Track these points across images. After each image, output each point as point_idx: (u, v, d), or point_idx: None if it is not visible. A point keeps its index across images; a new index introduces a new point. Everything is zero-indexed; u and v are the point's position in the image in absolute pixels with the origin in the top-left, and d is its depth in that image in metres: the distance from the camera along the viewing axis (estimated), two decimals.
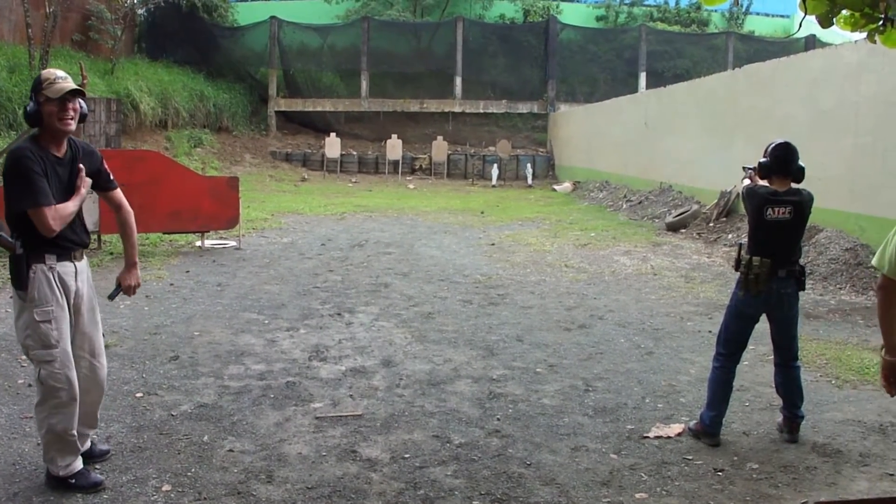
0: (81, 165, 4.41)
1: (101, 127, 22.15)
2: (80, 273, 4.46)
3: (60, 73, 4.31)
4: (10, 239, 4.19)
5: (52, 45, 20.64)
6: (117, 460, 4.74)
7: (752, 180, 5.51)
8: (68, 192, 4.31)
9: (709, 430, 5.23)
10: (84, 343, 4.53)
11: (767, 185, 5.26)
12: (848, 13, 3.66)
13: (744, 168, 5.71)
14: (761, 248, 5.16)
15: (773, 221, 5.13)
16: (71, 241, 4.38)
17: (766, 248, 5.14)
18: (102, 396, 4.77)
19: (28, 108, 4.24)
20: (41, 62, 19.57)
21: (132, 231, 4.81)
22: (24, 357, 6.61)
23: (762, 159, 5.25)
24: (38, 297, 4.20)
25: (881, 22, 3.61)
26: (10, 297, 4.49)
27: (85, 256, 4.57)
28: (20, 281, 4.20)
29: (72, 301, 4.40)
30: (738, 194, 13.68)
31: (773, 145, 5.25)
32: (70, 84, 4.22)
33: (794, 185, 5.23)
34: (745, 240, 5.47)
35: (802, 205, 5.15)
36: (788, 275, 5.18)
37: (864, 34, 3.74)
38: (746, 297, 5.21)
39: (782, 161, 5.18)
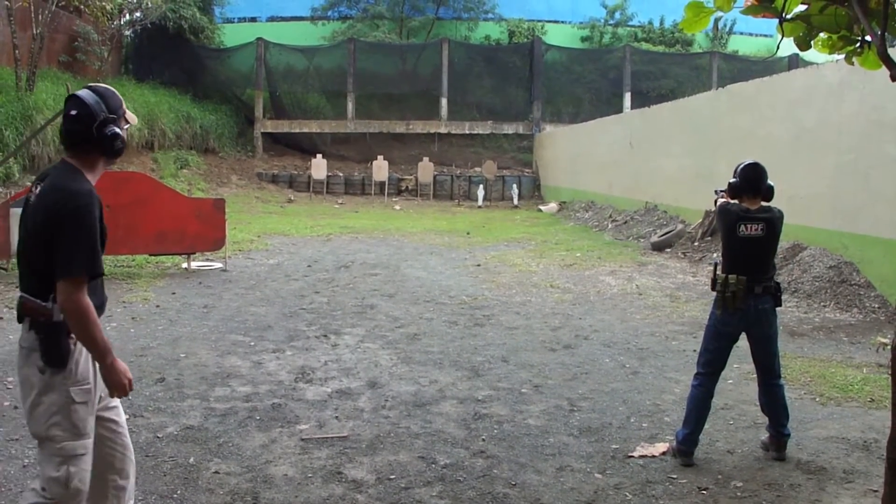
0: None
1: None
2: None
3: None
4: (43, 303, 3.28)
5: (39, 67, 20.63)
6: None
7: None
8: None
9: (682, 448, 5.23)
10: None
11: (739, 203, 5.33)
12: (825, 36, 3.71)
13: (715, 191, 5.77)
14: (736, 265, 5.21)
15: (747, 238, 5.20)
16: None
17: (740, 266, 5.19)
18: None
19: (111, 131, 3.37)
20: (28, 83, 19.56)
21: None
22: (10, 380, 6.59)
23: (732, 180, 5.33)
24: (80, 373, 3.34)
25: (858, 44, 3.66)
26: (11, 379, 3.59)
27: None
28: (59, 355, 3.28)
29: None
30: None
31: (743, 166, 5.32)
32: None
33: (764, 204, 5.30)
34: (720, 259, 5.52)
35: (774, 221, 5.23)
36: (765, 291, 5.23)
37: (843, 56, 3.79)
38: (724, 315, 5.25)
39: (752, 181, 5.26)
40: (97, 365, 3.38)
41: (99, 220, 3.32)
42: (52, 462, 3.32)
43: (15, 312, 3.47)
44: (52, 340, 3.27)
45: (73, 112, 3.34)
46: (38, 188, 3.36)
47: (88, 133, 3.34)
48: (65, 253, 3.20)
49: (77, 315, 3.21)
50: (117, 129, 3.39)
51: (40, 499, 3.34)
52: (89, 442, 3.41)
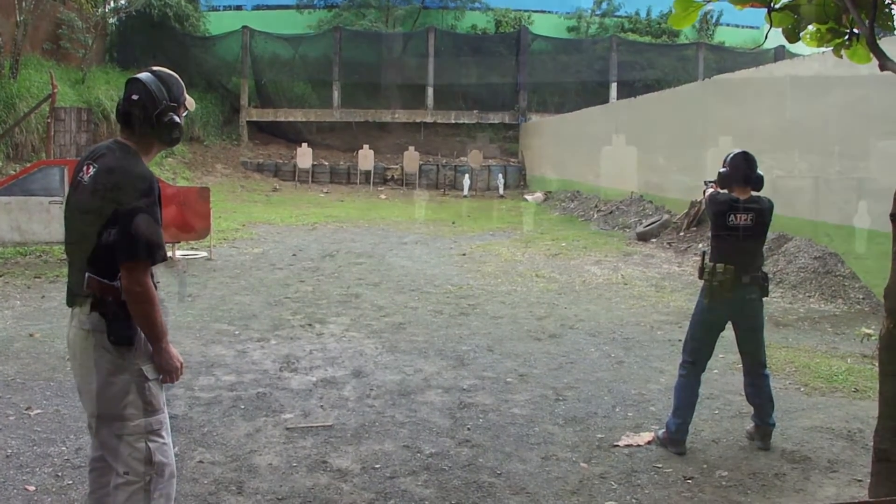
0: None
1: (71, 136, 22.00)
2: None
3: None
4: (111, 283, 3.21)
5: (23, 54, 20.49)
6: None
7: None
8: None
9: (674, 438, 5.24)
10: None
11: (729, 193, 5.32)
12: (814, 28, 3.69)
13: (705, 182, 5.76)
14: (724, 254, 5.21)
15: (736, 228, 5.18)
16: None
17: (729, 255, 5.19)
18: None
19: (172, 120, 3.33)
20: (11, 71, 19.42)
21: None
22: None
23: (722, 169, 5.32)
24: (146, 350, 3.31)
25: (846, 37, 3.65)
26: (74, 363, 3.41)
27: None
28: (126, 334, 3.23)
29: None
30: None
31: (732, 155, 5.32)
32: None
33: (754, 194, 5.29)
34: (708, 248, 5.51)
35: (763, 212, 5.22)
36: (752, 281, 5.23)
37: (831, 48, 3.77)
38: (711, 304, 5.25)
39: (742, 170, 5.25)
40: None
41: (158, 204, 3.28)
42: (126, 442, 3.28)
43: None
44: (119, 319, 3.22)
45: (135, 96, 3.29)
46: (91, 168, 3.28)
47: (148, 119, 3.28)
48: (129, 237, 3.13)
49: (142, 298, 3.18)
50: (177, 119, 3.35)
51: (129, 485, 3.27)
52: (164, 416, 3.39)
